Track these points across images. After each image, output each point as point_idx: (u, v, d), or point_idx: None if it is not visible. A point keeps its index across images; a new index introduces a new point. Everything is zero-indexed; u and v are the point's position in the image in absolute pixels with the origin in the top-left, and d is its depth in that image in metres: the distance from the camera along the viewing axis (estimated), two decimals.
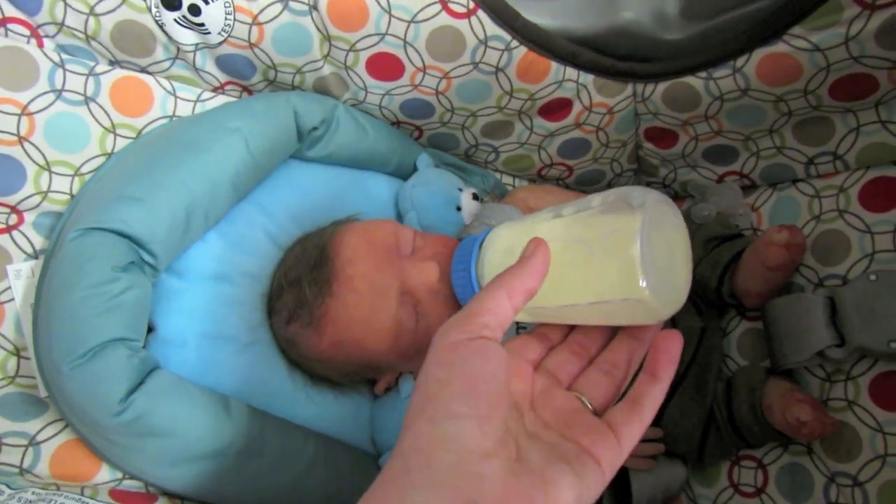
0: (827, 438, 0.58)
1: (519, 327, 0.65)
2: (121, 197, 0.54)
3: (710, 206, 0.72)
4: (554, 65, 0.64)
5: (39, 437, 0.54)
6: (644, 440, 0.64)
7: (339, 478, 0.60)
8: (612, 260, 0.37)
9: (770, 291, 0.65)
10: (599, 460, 0.32)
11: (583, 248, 0.38)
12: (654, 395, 0.35)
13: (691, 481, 0.69)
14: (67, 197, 0.60)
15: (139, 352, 0.52)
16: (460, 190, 0.71)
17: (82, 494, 0.51)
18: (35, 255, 0.59)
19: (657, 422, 0.67)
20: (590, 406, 0.37)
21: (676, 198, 0.80)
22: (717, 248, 0.69)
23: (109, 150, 0.62)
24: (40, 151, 0.58)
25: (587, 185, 0.82)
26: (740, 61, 0.60)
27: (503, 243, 0.48)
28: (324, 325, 0.57)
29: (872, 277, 0.56)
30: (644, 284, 0.35)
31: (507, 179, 0.83)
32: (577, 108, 0.69)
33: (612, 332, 0.42)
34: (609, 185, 0.82)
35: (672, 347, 0.36)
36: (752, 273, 0.64)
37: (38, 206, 0.59)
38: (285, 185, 0.67)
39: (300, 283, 0.58)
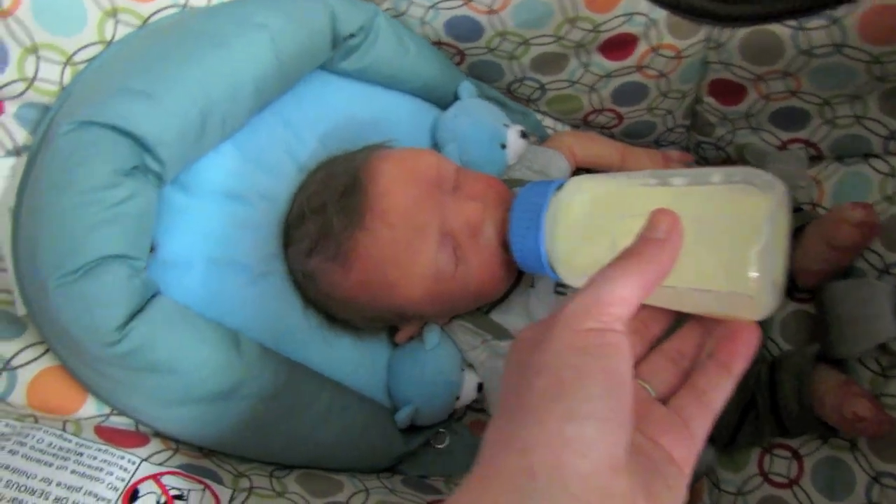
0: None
1: (557, 286, 0.59)
2: (125, 89, 0.46)
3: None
4: None
5: (15, 362, 0.48)
6: None
7: (353, 430, 0.55)
8: (730, 246, 0.34)
9: (829, 273, 0.60)
10: (683, 467, 0.30)
11: (696, 226, 0.34)
12: (724, 388, 0.33)
13: (716, 465, 0.65)
14: (57, 88, 0.51)
15: (141, 272, 0.45)
16: (506, 126, 0.64)
17: (64, 430, 0.44)
18: (16, 152, 0.51)
19: None
20: (653, 394, 0.35)
21: (728, 163, 0.74)
22: None
23: (109, 38, 0.53)
24: (26, 30, 0.49)
25: (634, 137, 0.75)
26: (841, 10, 0.53)
27: (589, 205, 0.43)
28: (351, 260, 0.51)
29: None
30: (758, 279, 0.33)
31: (547, 122, 0.76)
32: (642, 47, 0.62)
33: (678, 315, 0.38)
34: (657, 141, 0.76)
35: (751, 340, 0.34)
36: (815, 251, 0.59)
37: (21, 94, 0.50)
38: (312, 98, 0.59)
39: (325, 210, 0.52)
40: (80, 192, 0.43)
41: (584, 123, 0.75)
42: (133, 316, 0.44)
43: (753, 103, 0.65)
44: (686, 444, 0.31)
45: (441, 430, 0.61)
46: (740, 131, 0.70)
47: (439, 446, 0.61)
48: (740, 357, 0.34)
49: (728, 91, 0.66)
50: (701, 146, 0.75)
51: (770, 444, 0.61)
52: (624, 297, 0.29)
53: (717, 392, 0.33)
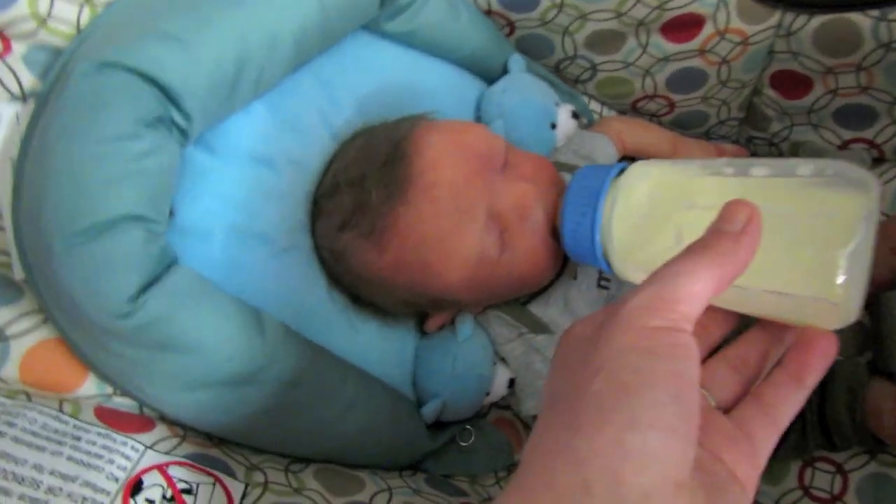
0: None
1: (601, 279, 0.55)
2: (154, 32, 0.41)
3: None
4: None
5: (9, 332, 0.43)
6: None
7: (377, 422, 0.50)
8: (816, 246, 0.31)
9: (887, 281, 0.56)
10: (747, 486, 0.28)
11: (776, 222, 0.31)
12: (794, 403, 0.30)
13: None
14: (72, 30, 0.46)
15: (159, 238, 0.40)
16: (557, 105, 0.59)
17: (61, 410, 0.40)
18: (23, 98, 0.45)
19: None
20: (713, 403, 0.32)
21: None
22: None
23: None
24: None
25: (683, 127, 0.71)
26: None
27: (653, 193, 0.39)
28: (388, 238, 0.46)
29: None
30: (844, 285, 0.30)
31: (593, 106, 0.71)
32: (707, 30, 0.58)
33: (742, 318, 0.35)
34: (706, 134, 0.71)
35: (828, 351, 0.31)
36: (876, 257, 0.55)
37: (31, 34, 0.45)
38: (352, 61, 0.54)
39: (363, 182, 0.47)
40: (97, 142, 0.38)
41: (632, 110, 0.70)
42: (148, 285, 0.39)
43: (818, 98, 0.61)
44: (750, 462, 0.28)
45: (467, 426, 0.57)
46: (798, 127, 0.66)
47: (464, 444, 0.56)
48: (814, 370, 0.30)
49: (792, 83, 0.62)
50: (752, 141, 0.71)
51: (812, 456, 0.58)
52: (694, 293, 0.26)
53: (785, 406, 0.30)
